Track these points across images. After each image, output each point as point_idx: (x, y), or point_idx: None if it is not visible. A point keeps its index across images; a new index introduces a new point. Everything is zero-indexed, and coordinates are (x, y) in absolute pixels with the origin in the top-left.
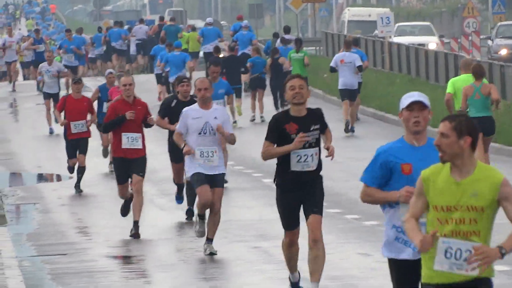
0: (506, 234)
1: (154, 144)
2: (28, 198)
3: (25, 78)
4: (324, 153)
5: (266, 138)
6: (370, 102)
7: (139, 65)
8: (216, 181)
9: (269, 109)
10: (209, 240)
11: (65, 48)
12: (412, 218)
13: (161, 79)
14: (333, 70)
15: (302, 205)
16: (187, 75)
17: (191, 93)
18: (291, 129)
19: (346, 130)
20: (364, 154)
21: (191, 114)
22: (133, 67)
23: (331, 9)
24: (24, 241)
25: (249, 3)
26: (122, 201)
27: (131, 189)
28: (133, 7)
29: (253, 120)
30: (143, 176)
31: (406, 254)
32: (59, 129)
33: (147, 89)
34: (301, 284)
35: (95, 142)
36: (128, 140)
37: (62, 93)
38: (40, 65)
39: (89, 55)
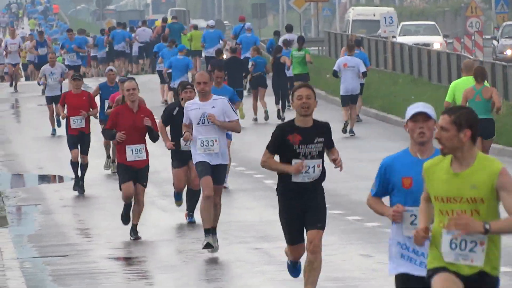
0: None
1: (155, 145)
2: (29, 199)
3: (27, 79)
4: (328, 161)
5: (267, 147)
6: (372, 102)
7: (140, 66)
8: (217, 173)
9: (271, 109)
10: (207, 232)
11: (67, 48)
12: (423, 200)
13: (164, 78)
14: (336, 74)
15: (304, 218)
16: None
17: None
18: (295, 140)
19: (344, 131)
20: (366, 155)
21: (190, 106)
22: (138, 68)
23: (334, 8)
24: (26, 243)
25: (252, 3)
26: (123, 203)
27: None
28: (136, 6)
29: (255, 120)
30: (145, 186)
31: (413, 270)
32: (61, 131)
33: (150, 89)
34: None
35: (97, 143)
36: (133, 153)
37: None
38: (43, 67)
39: (91, 54)
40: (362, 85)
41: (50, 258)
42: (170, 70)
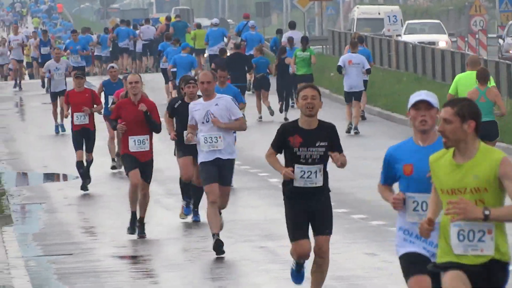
0: None
1: (161, 143)
2: (34, 197)
3: (30, 77)
4: (330, 162)
5: (272, 144)
6: (376, 100)
7: (144, 64)
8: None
9: (275, 108)
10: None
11: (71, 50)
12: (433, 190)
13: (168, 77)
14: (340, 70)
15: (311, 223)
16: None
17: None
18: (295, 142)
19: (348, 131)
20: (370, 153)
21: (195, 107)
22: (141, 65)
23: (338, 7)
24: (30, 241)
25: (256, 2)
26: (128, 201)
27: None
28: (140, 5)
29: (260, 120)
30: (149, 182)
31: (416, 248)
32: (65, 126)
33: (153, 88)
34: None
35: (101, 141)
36: (135, 143)
37: None
38: (47, 63)
39: (95, 53)
40: (365, 81)
41: (54, 256)
42: (174, 69)
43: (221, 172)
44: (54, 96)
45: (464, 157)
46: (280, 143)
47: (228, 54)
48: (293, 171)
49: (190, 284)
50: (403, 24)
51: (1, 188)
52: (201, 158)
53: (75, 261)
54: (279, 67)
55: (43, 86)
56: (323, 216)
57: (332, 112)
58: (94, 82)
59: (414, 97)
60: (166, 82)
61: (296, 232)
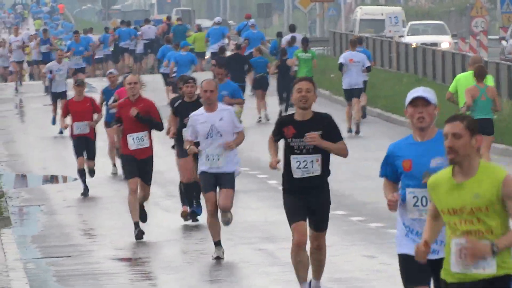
0: None
1: (160, 145)
2: (33, 199)
3: (31, 78)
4: (333, 158)
5: (272, 131)
6: (376, 102)
7: (146, 65)
8: (223, 178)
9: (273, 110)
10: (217, 244)
11: (73, 51)
12: (429, 216)
13: (168, 80)
14: (342, 67)
15: (308, 218)
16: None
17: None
18: (288, 133)
19: (350, 130)
20: (370, 154)
21: (198, 119)
22: (141, 66)
23: (339, 8)
24: (29, 243)
25: (258, 3)
26: (127, 203)
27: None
28: (142, 6)
29: (259, 121)
30: (150, 184)
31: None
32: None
33: (154, 89)
34: None
35: (101, 143)
36: (134, 141)
37: (70, 93)
38: (49, 64)
39: (96, 56)
40: (365, 82)
41: (53, 258)
42: (175, 74)
43: (219, 180)
44: (54, 96)
45: (465, 175)
46: (277, 133)
47: (228, 55)
48: (289, 164)
49: (189, 286)
50: (405, 25)
51: (0, 190)
52: (201, 167)
53: (74, 263)
54: (280, 68)
55: (46, 90)
56: (321, 212)
57: (332, 113)
58: (95, 84)
59: (411, 94)
60: (166, 85)
61: (295, 214)
